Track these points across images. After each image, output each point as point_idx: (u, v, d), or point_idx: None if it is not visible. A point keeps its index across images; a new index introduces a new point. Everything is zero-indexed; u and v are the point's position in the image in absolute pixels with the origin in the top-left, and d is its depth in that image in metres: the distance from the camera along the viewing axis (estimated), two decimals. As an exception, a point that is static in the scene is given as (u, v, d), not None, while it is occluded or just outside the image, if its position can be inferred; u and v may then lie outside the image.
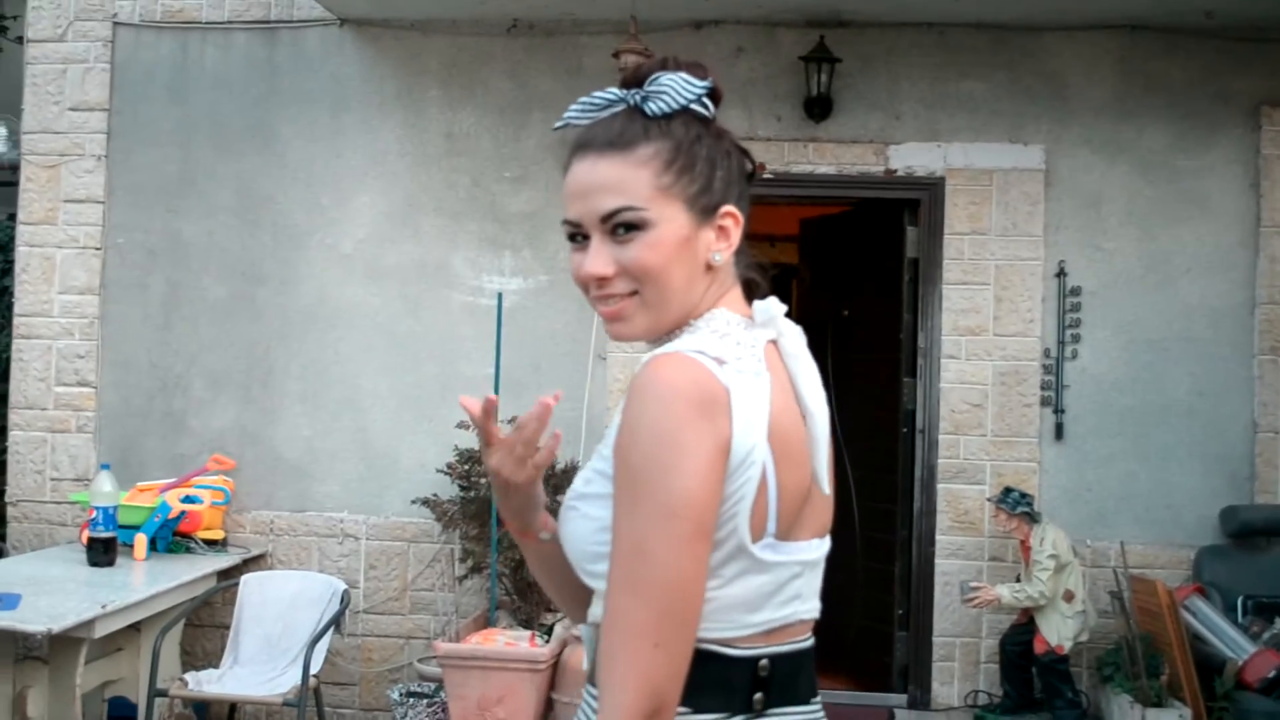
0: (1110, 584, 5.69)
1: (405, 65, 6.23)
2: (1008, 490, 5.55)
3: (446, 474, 5.79)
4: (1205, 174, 5.98)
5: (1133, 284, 5.95)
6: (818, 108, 6.01)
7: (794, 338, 1.53)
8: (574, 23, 6.11)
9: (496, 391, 5.45)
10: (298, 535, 6.12)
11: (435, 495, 5.82)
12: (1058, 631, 5.36)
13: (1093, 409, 5.91)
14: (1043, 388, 5.91)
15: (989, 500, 5.72)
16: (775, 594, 1.44)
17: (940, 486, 5.91)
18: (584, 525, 1.53)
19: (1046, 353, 5.93)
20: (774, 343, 1.52)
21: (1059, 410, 5.90)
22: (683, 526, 1.35)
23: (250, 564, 5.94)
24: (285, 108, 6.27)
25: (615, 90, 1.58)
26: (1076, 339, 5.93)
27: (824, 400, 1.50)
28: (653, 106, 1.55)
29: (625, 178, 1.53)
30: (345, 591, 5.56)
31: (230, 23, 6.33)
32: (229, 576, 5.74)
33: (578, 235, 1.59)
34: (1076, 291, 5.94)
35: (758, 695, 1.43)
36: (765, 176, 6.05)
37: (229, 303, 6.23)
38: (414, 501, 5.85)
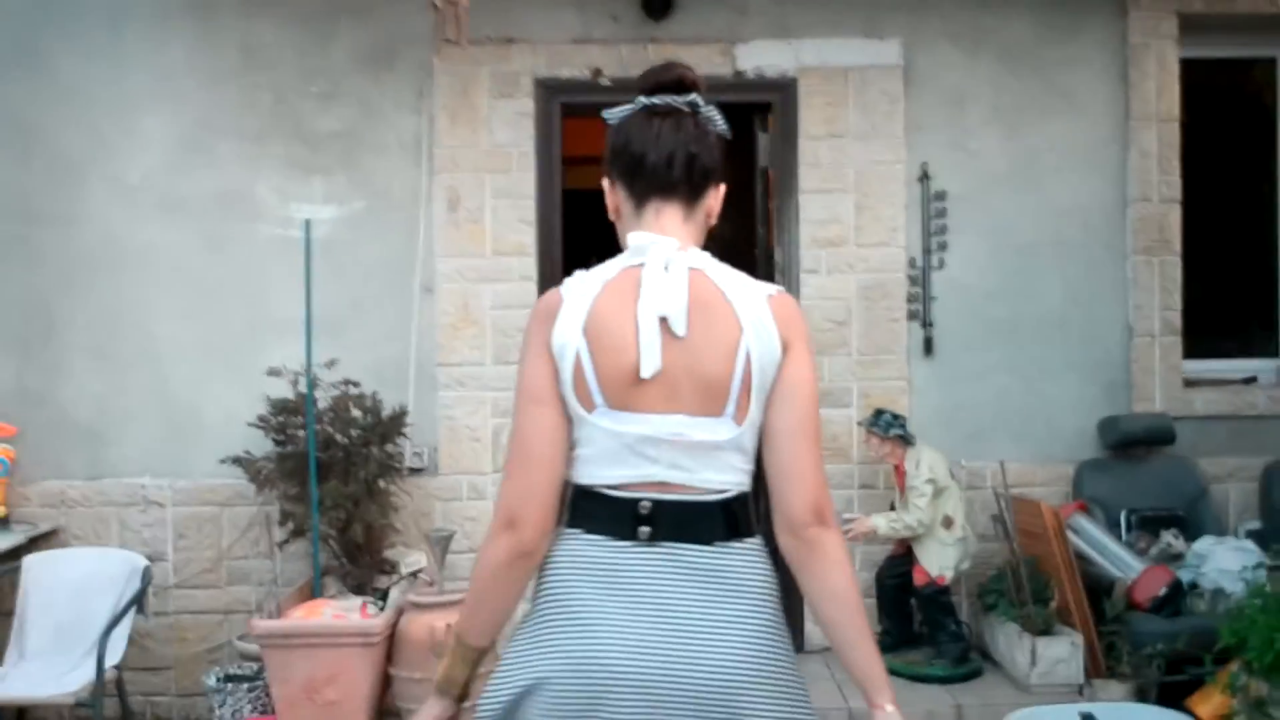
0: (989, 507, 5.31)
1: (192, -30, 5.49)
2: (879, 412, 5.12)
3: (260, 428, 5.12)
4: (1072, 65, 5.60)
5: (1000, 185, 5.56)
6: (657, 4, 5.46)
7: (655, 262, 1.88)
8: (381, -84, 5.44)
9: (309, 334, 4.81)
10: (94, 506, 5.40)
11: (248, 452, 5.16)
12: (938, 561, 4.96)
13: (963, 321, 5.52)
14: (909, 300, 5.49)
15: (859, 424, 5.28)
16: (628, 454, 1.82)
17: (805, 412, 5.45)
18: None
19: (912, 263, 5.51)
20: (641, 266, 1.88)
21: (927, 324, 5.49)
22: (521, 397, 1.88)
23: (39, 542, 5.22)
24: (54, 21, 5.48)
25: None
26: (943, 247, 5.52)
27: (670, 306, 1.83)
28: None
29: None
30: (146, 568, 4.89)
31: (-14, -73, 5.50)
32: (14, 559, 5.01)
33: None
34: (941, 196, 5.52)
35: (643, 529, 1.82)
36: (602, 82, 5.48)
37: None
38: (223, 461, 5.17)
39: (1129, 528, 5.14)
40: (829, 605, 1.87)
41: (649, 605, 1.78)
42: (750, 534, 1.88)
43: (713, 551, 1.83)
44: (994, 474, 5.34)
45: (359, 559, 5.12)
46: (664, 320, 1.83)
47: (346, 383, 5.15)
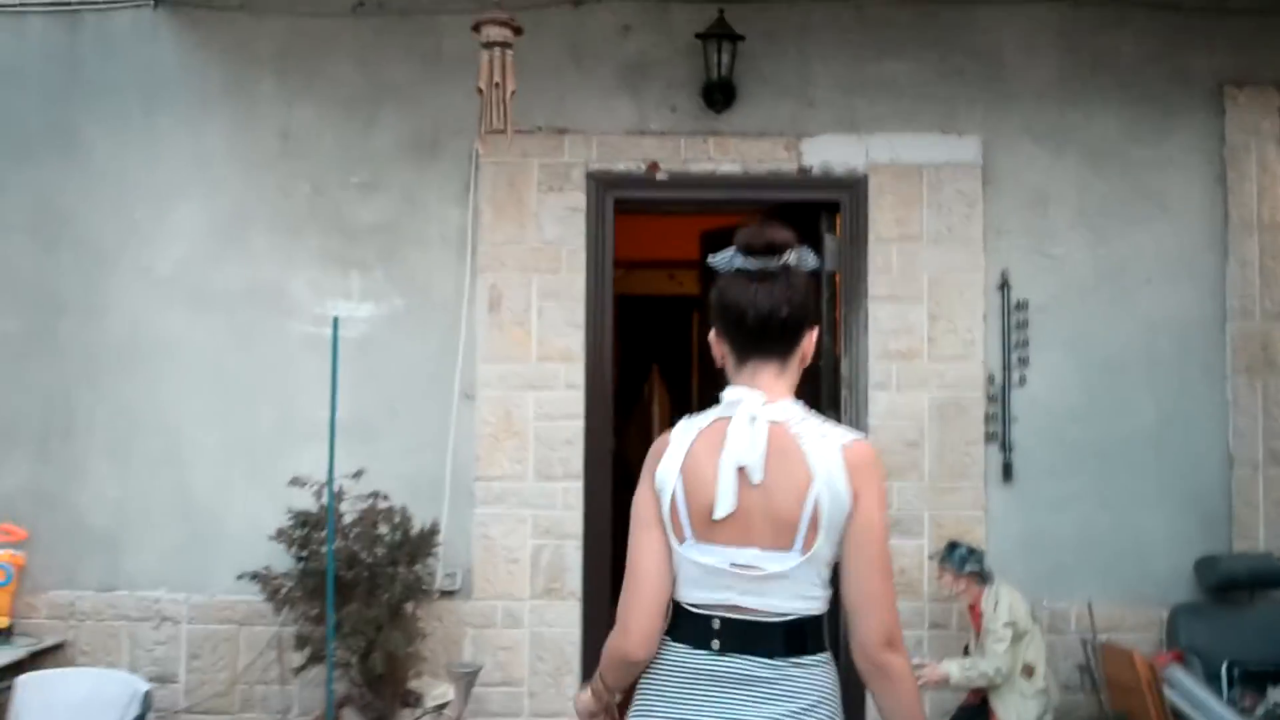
0: (1072, 652, 4.84)
1: (232, 53, 5.24)
2: (953, 545, 4.66)
3: (280, 541, 4.76)
4: (1164, 166, 5.18)
5: (1086, 296, 5.13)
6: (719, 94, 5.12)
7: (743, 416, 2.13)
8: (430, 0, 5.16)
9: (332, 440, 4.46)
10: (104, 619, 5.06)
11: (267, 568, 4.80)
12: (1017, 714, 4.47)
13: (1045, 444, 5.07)
14: (987, 421, 5.06)
15: (930, 558, 4.83)
16: (708, 579, 2.11)
17: (871, 539, 5.01)
18: None
19: (991, 379, 5.08)
20: (729, 419, 2.15)
21: (1007, 447, 5.05)
22: (635, 521, 2.19)
23: (42, 657, 4.88)
24: (90, 104, 5.25)
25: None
26: (1024, 362, 5.09)
27: (749, 457, 2.09)
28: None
29: None
30: (147, 693, 4.51)
31: (24, 4, 5.29)
32: (18, 672, 4.66)
33: None
34: (1023, 306, 5.10)
35: (714, 642, 2.13)
36: (659, 177, 5.14)
37: (22, 338, 5.18)
38: (240, 577, 4.81)
39: (1231, 683, 4.62)
40: (895, 715, 2.12)
41: (714, 703, 2.11)
42: (816, 651, 2.13)
43: (772, 664, 2.09)
44: (1079, 616, 4.87)
45: (381, 689, 4.72)
46: (742, 469, 2.09)
47: (375, 495, 4.78)
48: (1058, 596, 4.98)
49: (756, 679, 2.09)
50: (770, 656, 2.09)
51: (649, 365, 8.46)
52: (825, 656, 2.15)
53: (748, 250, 2.16)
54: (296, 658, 4.77)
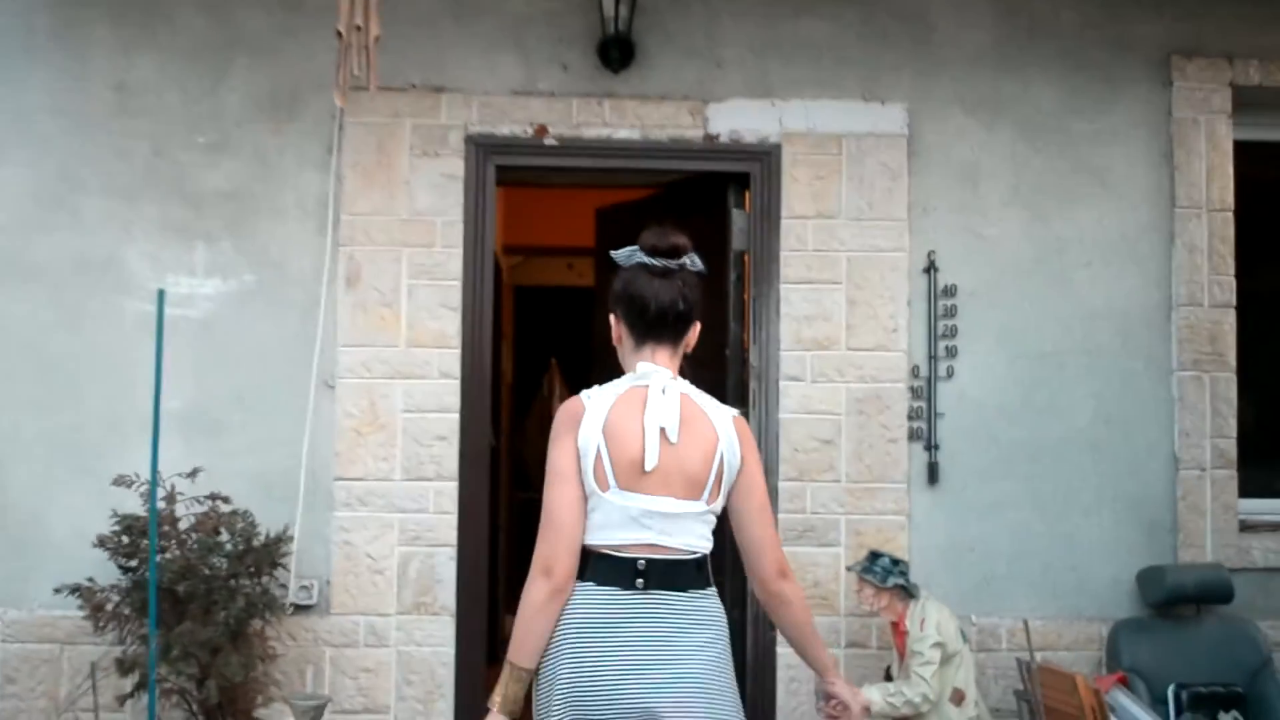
0: (1003, 673, 4.36)
1: (65, -5, 4.60)
2: (874, 555, 4.15)
3: (105, 549, 4.11)
4: (1106, 141, 4.73)
5: (1020, 281, 4.66)
6: (616, 52, 4.58)
7: (656, 387, 2.49)
8: (291, -60, 4.57)
9: (155, 431, 3.83)
10: (-99, 640, 4.38)
11: (91, 580, 4.15)
12: (943, 746, 3.96)
13: (975, 444, 4.58)
14: (911, 417, 4.55)
15: (849, 569, 4.30)
16: (631, 523, 2.42)
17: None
18: None
19: (915, 371, 4.57)
20: (646, 387, 2.50)
21: (932, 446, 4.55)
22: (552, 475, 2.46)
23: None
24: (-102, 52, 4.57)
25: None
26: (952, 353, 4.59)
27: (668, 420, 2.45)
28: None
29: None
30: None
31: None
32: None
33: None
34: (951, 291, 4.61)
35: (639, 580, 2.42)
36: (547, 142, 4.58)
37: None
38: (58, 590, 4.15)
39: (1179, 708, 4.15)
40: (793, 631, 2.59)
41: (642, 636, 2.39)
42: (710, 585, 2.50)
43: (686, 596, 2.44)
44: (1011, 633, 4.40)
45: (222, 719, 4.09)
46: (663, 430, 2.44)
47: (214, 497, 4.16)
48: (987, 611, 4.49)
49: (675, 611, 2.42)
50: (685, 590, 2.44)
51: (547, 359, 7.94)
52: (715, 590, 2.53)
53: (652, 251, 2.54)
54: (125, 684, 4.12)
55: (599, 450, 2.41)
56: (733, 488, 2.51)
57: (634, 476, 2.41)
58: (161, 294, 3.86)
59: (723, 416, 2.52)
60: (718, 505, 2.50)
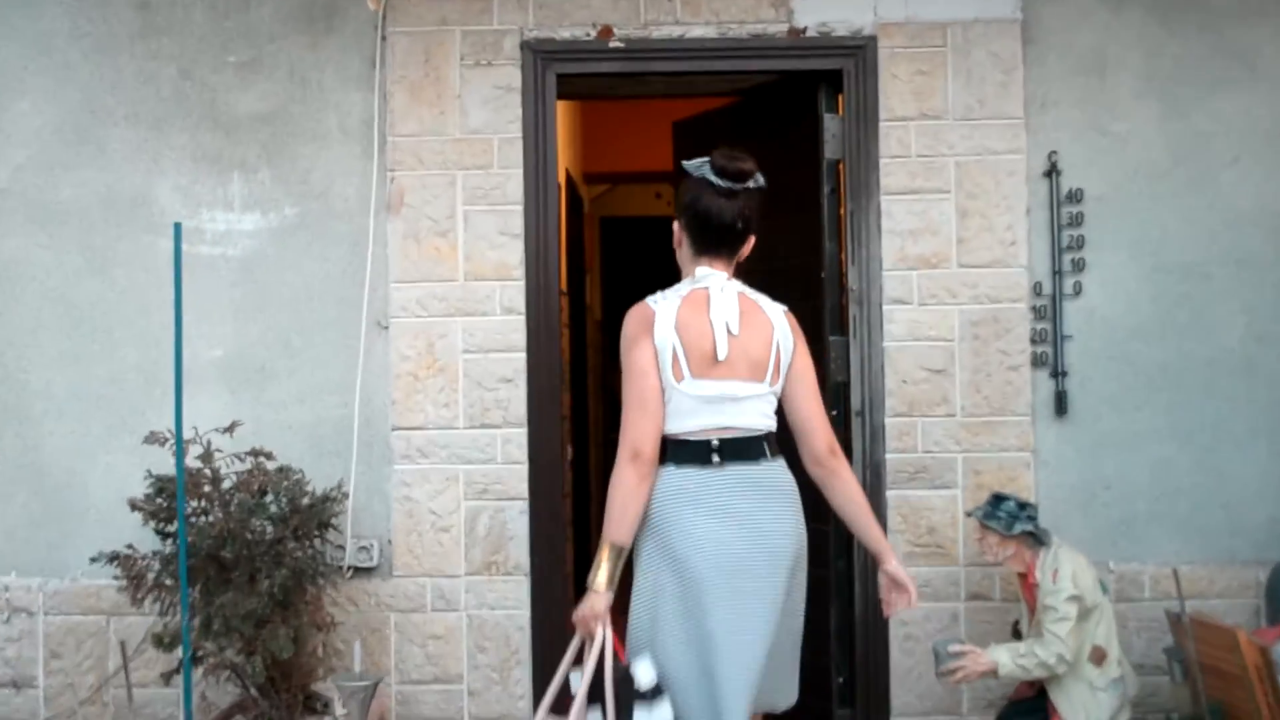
0: (1146, 626, 3.86)
1: (79, -94, 4.17)
2: (998, 498, 3.65)
3: (143, 512, 3.75)
4: (1253, 16, 4.15)
5: (1156, 183, 4.10)
6: (687, -60, 4.05)
7: (716, 290, 2.78)
8: None
9: (179, 384, 3.43)
10: (-62, 614, 4.09)
11: (131, 548, 3.79)
12: (1085, 711, 3.48)
13: (1108, 369, 4.06)
14: (1034, 341, 4.03)
15: (968, 514, 3.81)
16: (704, 408, 2.72)
17: (890, 494, 4.01)
18: None
19: (1037, 289, 4.05)
20: (706, 289, 2.79)
21: (1059, 373, 4.03)
22: (633, 371, 2.73)
23: None
24: (-95, -22, 4.19)
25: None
26: (1079, 267, 4.06)
27: (730, 315, 2.76)
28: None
29: None
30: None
31: None
32: None
33: None
34: (1076, 197, 4.06)
35: (715, 457, 2.73)
36: (612, 45, 4.09)
37: None
38: (94, 559, 3.79)
39: (1355, 665, 3.62)
40: (847, 507, 2.87)
41: (730, 502, 2.71)
42: (779, 456, 2.82)
43: (759, 465, 2.77)
44: (1154, 580, 3.89)
45: (275, 694, 3.74)
46: (726, 324, 2.75)
47: (256, 454, 3.77)
48: (1127, 558, 4.00)
49: (751, 479, 2.74)
50: (757, 460, 2.76)
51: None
52: (784, 460, 2.82)
53: (721, 173, 2.77)
54: (172, 659, 3.78)
55: (674, 347, 2.71)
56: (787, 374, 2.81)
57: (706, 366, 2.71)
58: (178, 227, 3.42)
59: (775, 310, 2.85)
60: (778, 387, 2.81)
